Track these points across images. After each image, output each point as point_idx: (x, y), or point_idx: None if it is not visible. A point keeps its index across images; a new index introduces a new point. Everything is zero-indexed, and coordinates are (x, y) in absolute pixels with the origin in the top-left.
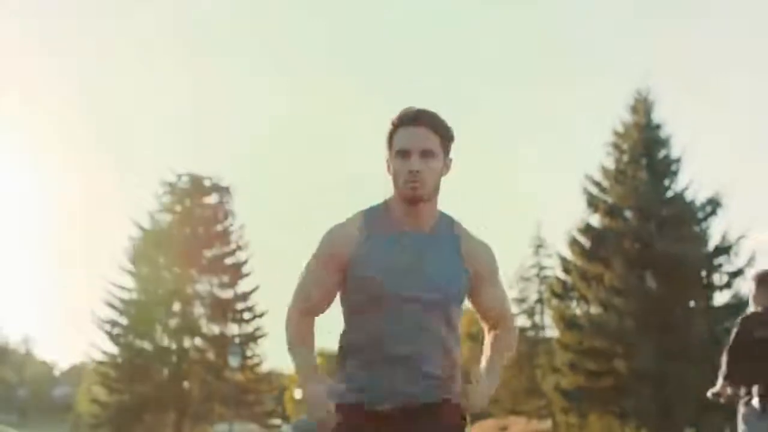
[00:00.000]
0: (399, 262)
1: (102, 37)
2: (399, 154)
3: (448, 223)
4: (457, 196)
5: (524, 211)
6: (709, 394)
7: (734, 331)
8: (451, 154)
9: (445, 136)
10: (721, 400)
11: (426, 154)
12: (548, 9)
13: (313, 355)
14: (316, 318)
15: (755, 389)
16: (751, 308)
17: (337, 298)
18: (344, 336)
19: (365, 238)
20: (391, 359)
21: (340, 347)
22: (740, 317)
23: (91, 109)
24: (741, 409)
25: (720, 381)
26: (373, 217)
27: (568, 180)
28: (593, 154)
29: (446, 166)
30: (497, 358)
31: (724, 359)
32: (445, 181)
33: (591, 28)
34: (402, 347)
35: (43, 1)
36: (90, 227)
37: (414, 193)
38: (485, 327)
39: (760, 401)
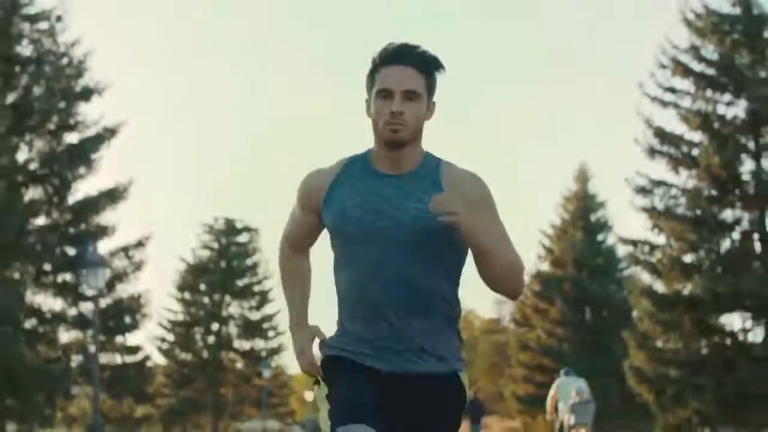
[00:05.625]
0: (362, 205)
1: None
2: (380, 94)
3: (434, 162)
4: None
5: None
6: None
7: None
8: (435, 98)
9: (431, 75)
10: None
11: (409, 95)
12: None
13: (303, 297)
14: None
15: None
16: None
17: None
18: (336, 286)
19: (335, 182)
20: (371, 309)
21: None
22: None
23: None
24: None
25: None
26: (354, 161)
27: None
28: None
29: (430, 109)
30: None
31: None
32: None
33: (591, 33)
34: (380, 295)
35: None
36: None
37: (395, 136)
38: None
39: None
